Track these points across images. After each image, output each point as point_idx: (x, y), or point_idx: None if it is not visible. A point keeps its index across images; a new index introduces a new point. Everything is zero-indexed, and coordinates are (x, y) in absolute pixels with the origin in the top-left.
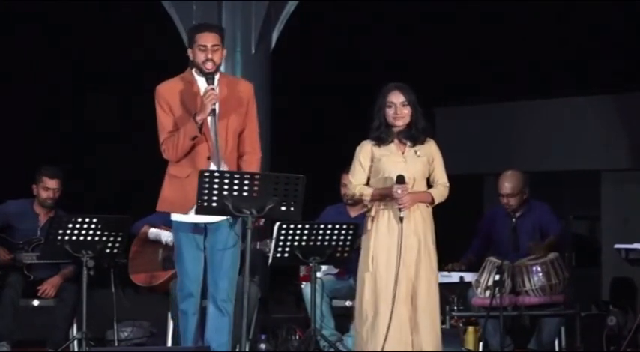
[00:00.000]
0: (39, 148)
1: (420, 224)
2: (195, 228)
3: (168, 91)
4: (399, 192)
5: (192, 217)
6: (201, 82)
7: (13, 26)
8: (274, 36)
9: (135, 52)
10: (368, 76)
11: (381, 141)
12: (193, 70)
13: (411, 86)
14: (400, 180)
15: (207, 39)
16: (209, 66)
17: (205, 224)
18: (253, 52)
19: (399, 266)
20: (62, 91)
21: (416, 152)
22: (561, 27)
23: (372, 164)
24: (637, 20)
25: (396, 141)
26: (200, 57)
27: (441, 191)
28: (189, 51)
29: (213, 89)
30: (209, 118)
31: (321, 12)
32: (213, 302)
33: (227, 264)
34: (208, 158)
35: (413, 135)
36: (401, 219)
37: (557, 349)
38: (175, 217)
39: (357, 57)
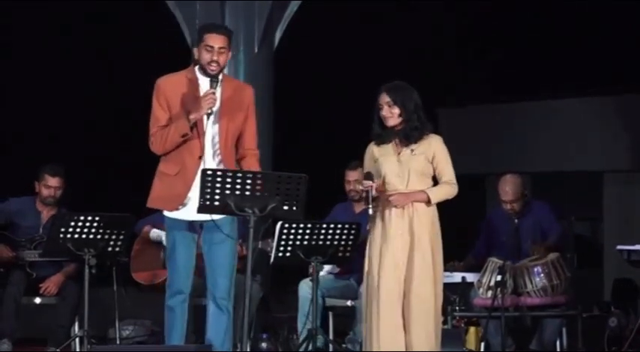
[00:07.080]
0: (41, 146)
1: (415, 224)
2: (190, 225)
3: (168, 86)
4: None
5: (187, 215)
6: (203, 82)
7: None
8: (277, 35)
9: (138, 52)
10: (370, 75)
11: (381, 141)
12: (196, 68)
13: (412, 83)
14: (367, 176)
15: (216, 40)
16: (213, 67)
17: (201, 222)
18: (256, 51)
19: (368, 267)
20: (64, 91)
21: (412, 151)
22: (561, 27)
23: (375, 165)
24: (637, 20)
25: (395, 141)
26: (206, 57)
27: (443, 189)
28: (194, 49)
29: (213, 93)
30: (204, 117)
31: (323, 12)
32: (213, 301)
33: (225, 261)
34: (200, 157)
35: (406, 133)
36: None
37: (558, 350)
38: (169, 214)
39: (359, 57)
